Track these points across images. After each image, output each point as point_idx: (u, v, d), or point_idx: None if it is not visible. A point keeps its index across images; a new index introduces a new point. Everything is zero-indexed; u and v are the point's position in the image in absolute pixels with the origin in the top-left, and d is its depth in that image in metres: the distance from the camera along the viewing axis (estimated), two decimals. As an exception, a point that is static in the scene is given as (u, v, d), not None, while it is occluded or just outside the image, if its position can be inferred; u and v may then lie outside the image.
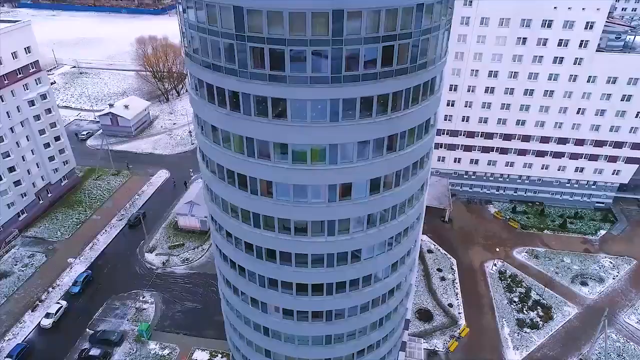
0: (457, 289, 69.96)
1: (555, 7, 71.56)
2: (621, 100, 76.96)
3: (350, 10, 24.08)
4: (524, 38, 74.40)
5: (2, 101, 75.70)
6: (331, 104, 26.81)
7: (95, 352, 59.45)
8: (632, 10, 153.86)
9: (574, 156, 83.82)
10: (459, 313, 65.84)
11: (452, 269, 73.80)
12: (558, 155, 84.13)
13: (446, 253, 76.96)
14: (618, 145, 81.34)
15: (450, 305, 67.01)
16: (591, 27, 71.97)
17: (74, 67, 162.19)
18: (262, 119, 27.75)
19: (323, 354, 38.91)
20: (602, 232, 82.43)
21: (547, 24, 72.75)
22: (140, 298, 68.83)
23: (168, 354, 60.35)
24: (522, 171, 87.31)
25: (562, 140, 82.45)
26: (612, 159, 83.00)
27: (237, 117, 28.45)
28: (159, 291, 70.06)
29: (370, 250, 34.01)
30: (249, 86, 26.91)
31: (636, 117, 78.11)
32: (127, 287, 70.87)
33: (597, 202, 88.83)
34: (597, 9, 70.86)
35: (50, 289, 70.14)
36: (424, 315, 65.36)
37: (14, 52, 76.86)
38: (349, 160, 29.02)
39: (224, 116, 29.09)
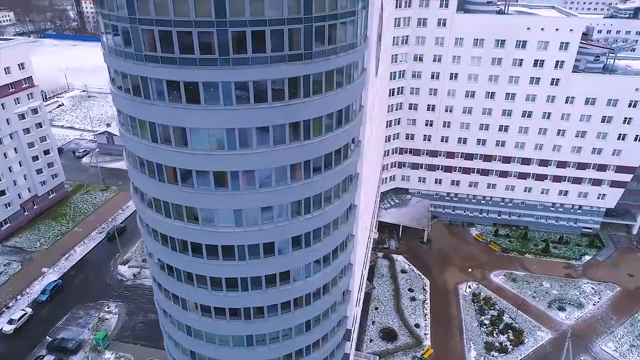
0: (426, 309, 67.66)
1: (528, 28, 71.97)
2: (601, 121, 75.74)
3: (231, -8, 24.75)
4: (499, 58, 74.65)
5: (-8, 113, 78.99)
6: (223, 87, 27.15)
7: (49, 359, 59.03)
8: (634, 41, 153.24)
9: (556, 179, 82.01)
10: (425, 334, 63.39)
11: (425, 289, 71.64)
12: (540, 177, 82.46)
13: (420, 274, 74.94)
14: (601, 168, 79.39)
15: (417, 325, 64.64)
16: (566, 47, 71.90)
17: (84, 91, 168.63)
18: (160, 103, 28.26)
19: (245, 356, 37.76)
20: (587, 257, 79.35)
21: (522, 44, 73.01)
22: (105, 308, 68.53)
23: (122, 364, 59.50)
24: (505, 194, 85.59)
25: (544, 162, 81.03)
26: (596, 183, 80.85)
27: (140, 101, 29.04)
28: (125, 302, 69.70)
29: (284, 244, 33.43)
30: (146, 69, 27.56)
31: (618, 139, 76.50)
32: (94, 297, 70.79)
33: (584, 228, 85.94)
34: (571, 30, 70.98)
35: (19, 297, 70.56)
36: (388, 334, 63.14)
37: (6, 68, 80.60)
38: (249, 146, 29.08)
39: (130, 101, 29.75)
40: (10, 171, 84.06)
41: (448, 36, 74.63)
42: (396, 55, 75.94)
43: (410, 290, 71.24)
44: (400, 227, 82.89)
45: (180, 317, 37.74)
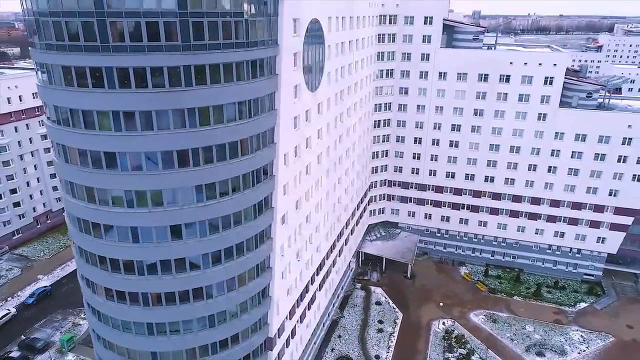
0: (392, 342, 64.80)
1: (511, 63, 72.04)
2: (594, 159, 72.37)
3: (107, -14, 28.36)
4: (483, 92, 74.63)
5: (16, 132, 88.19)
6: (107, 72, 30.23)
7: (15, 354, 61.99)
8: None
9: (550, 219, 78.00)
10: (383, 366, 60.57)
11: (396, 322, 68.88)
12: (533, 216, 78.80)
13: (395, 307, 72.32)
14: (598, 209, 74.85)
15: (378, 357, 61.88)
16: (551, 82, 70.91)
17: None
18: (59, 87, 31.86)
19: (146, 345, 38.47)
20: (583, 304, 73.33)
21: (505, 79, 72.88)
22: (82, 315, 71.42)
23: (80, 366, 61.23)
24: (497, 232, 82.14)
25: (536, 201, 77.70)
26: (594, 225, 75.98)
27: (45, 87, 32.92)
28: (101, 311, 72.24)
29: (177, 230, 34.88)
30: (47, 56, 31.46)
31: (614, 178, 72.40)
32: (76, 304, 73.88)
33: (585, 274, 79.87)
34: (554, 65, 70.28)
35: (10, 299, 75.31)
36: (344, 362, 60.96)
37: (34, 93, 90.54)
38: (134, 129, 31.65)
39: (42, 88, 33.72)
40: (28, 186, 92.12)
41: (432, 70, 75.97)
42: (381, 87, 77.94)
43: (380, 322, 68.73)
44: (384, 260, 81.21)
45: (91, 300, 39.57)
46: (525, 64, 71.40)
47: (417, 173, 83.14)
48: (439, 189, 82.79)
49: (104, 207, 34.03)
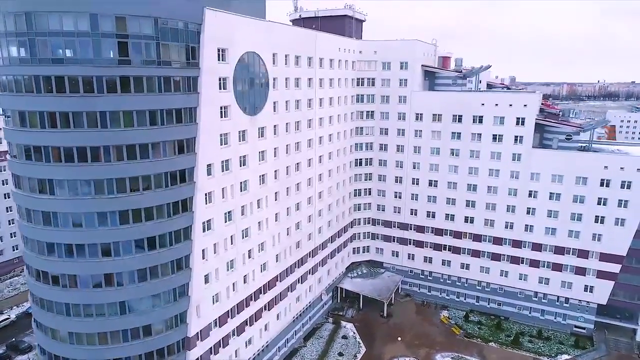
0: (345, 374, 63.93)
1: (482, 104, 73.99)
2: (573, 201, 70.33)
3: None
4: (458, 133, 76.44)
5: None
6: (34, 79, 37.67)
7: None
8: None
9: (533, 263, 75.02)
10: (328, 394, 59.70)
11: (356, 356, 67.86)
12: (515, 260, 76.21)
13: (360, 342, 71.39)
14: (582, 254, 71.31)
15: (326, 385, 61.29)
16: (522, 122, 71.65)
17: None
18: (4, 93, 39.71)
19: (63, 325, 42.70)
20: (565, 356, 68.17)
21: (478, 119, 74.60)
22: (70, 325, 77.41)
23: (51, 368, 65.93)
24: (480, 276, 79.70)
25: (517, 243, 75.53)
26: (580, 271, 72.03)
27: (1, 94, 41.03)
28: (88, 324, 77.88)
29: (91, 218, 40.14)
30: (9, 69, 39.75)
31: (596, 222, 69.46)
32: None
33: (576, 327, 74.32)
34: (525, 105, 71.32)
35: (15, 307, 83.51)
36: (290, 387, 60.86)
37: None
38: (55, 127, 38.32)
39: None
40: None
41: (409, 112, 79.37)
42: (362, 127, 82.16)
43: (340, 354, 68.07)
44: (361, 297, 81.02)
45: (29, 284, 45.06)
46: (496, 105, 73.04)
47: (398, 212, 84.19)
48: (420, 229, 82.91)
49: (33, 194, 40.38)
